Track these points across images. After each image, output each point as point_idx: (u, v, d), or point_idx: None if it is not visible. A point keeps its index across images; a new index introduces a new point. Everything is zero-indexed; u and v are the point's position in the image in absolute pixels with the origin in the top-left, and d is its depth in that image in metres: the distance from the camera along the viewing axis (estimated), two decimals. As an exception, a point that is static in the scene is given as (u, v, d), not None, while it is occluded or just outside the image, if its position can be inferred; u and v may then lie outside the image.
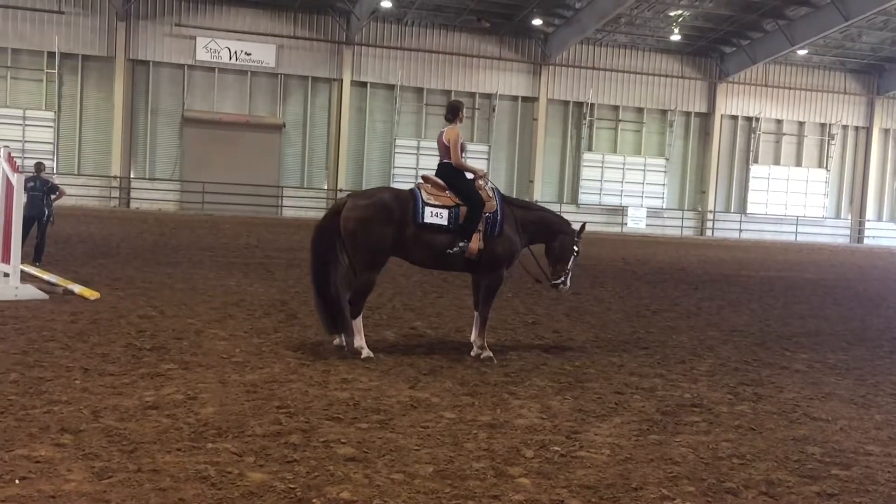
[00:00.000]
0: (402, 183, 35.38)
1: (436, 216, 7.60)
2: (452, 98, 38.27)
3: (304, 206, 35.90)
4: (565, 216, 8.88)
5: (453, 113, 8.10)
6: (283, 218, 34.51)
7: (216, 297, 10.60)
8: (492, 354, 7.64)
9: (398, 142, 37.74)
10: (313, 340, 8.00)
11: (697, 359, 8.29)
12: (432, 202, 7.65)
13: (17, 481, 3.99)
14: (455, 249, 7.59)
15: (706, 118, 41.91)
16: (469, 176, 7.97)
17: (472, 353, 7.74)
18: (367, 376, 6.68)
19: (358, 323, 7.45)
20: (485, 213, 7.70)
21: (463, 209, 7.66)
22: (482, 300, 7.84)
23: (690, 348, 8.89)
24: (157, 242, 18.76)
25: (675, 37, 37.71)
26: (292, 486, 4.16)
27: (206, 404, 5.55)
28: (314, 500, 4.00)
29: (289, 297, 11.06)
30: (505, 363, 7.53)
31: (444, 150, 8.01)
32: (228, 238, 21.59)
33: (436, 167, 8.10)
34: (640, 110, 41.05)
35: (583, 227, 8.48)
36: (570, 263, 8.21)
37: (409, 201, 7.60)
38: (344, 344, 7.53)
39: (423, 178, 8.01)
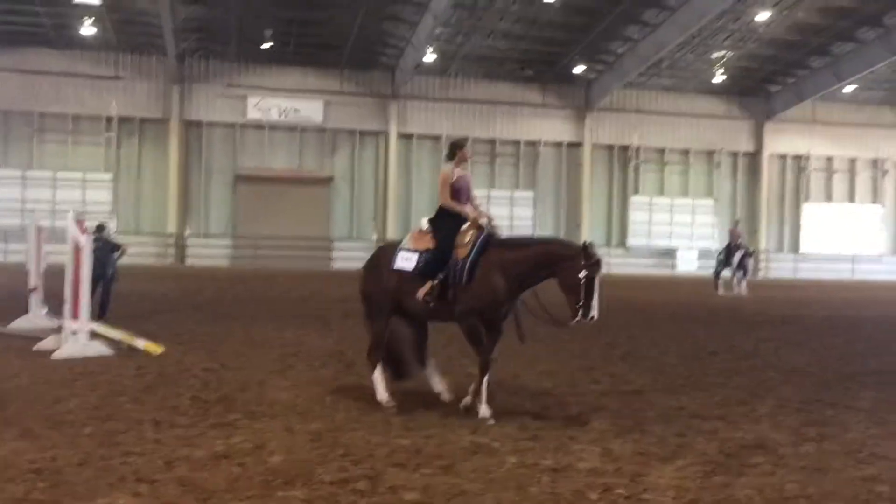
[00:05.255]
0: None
1: (405, 261, 7.26)
2: (497, 146, 38.81)
3: (353, 256, 36.27)
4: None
5: (451, 151, 7.69)
6: (334, 270, 34.94)
7: (275, 349, 10.82)
8: (489, 415, 6.82)
9: (445, 191, 37.99)
10: (372, 390, 8.10)
11: (758, 399, 8.20)
12: (408, 246, 7.37)
13: (101, 529, 4.16)
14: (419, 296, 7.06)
15: (754, 157, 41.58)
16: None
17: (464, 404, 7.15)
18: (427, 423, 6.76)
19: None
20: (452, 260, 7.04)
21: (431, 255, 7.18)
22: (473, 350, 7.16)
23: (750, 389, 8.78)
24: (214, 297, 19.18)
25: (719, 78, 37.68)
26: (363, 530, 4.25)
27: (273, 453, 5.69)
28: (385, 545, 4.08)
29: (346, 346, 11.21)
30: (563, 408, 7.55)
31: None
32: (283, 291, 21.95)
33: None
34: (685, 152, 40.93)
35: (587, 246, 6.89)
36: (582, 293, 6.68)
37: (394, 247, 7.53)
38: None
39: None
